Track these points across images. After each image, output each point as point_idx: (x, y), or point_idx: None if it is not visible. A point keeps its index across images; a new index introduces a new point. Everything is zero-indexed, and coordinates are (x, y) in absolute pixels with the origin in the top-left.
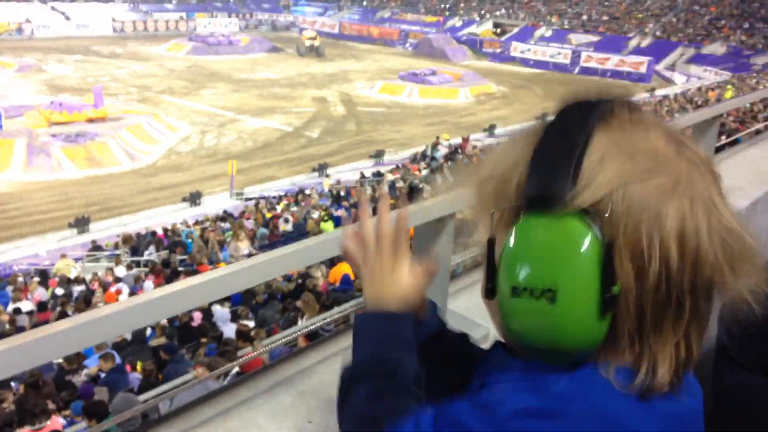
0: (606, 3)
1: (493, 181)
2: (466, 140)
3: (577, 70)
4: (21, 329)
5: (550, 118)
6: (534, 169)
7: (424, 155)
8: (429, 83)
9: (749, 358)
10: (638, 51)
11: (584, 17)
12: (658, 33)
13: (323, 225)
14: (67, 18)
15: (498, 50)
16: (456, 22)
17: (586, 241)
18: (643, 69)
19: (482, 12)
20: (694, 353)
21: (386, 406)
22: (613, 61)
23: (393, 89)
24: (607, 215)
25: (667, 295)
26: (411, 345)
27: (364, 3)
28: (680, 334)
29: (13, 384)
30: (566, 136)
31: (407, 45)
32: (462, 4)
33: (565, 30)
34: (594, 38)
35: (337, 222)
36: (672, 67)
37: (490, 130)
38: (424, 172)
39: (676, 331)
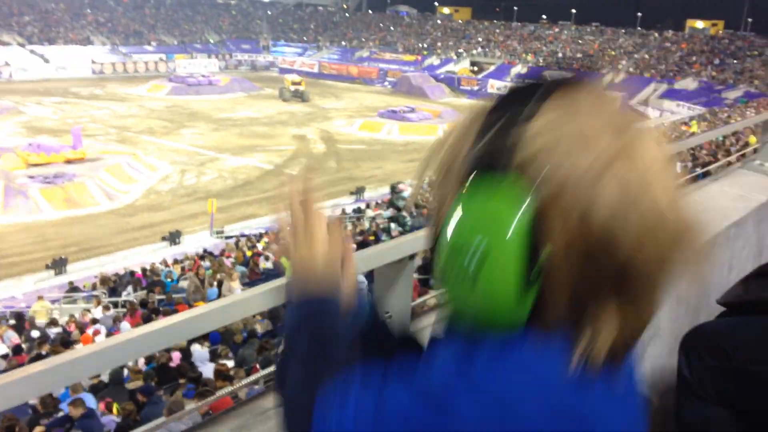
0: (580, 41)
1: (440, 159)
2: None
3: None
4: None
5: (501, 94)
6: (478, 136)
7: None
8: (408, 120)
9: (708, 391)
10: (611, 87)
11: (559, 55)
12: (631, 69)
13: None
14: (46, 60)
15: (475, 87)
16: (434, 60)
17: (517, 207)
18: None
19: (459, 51)
20: (628, 337)
21: (318, 369)
22: None
23: (373, 126)
24: (539, 184)
25: (593, 273)
26: (337, 316)
27: (343, 43)
28: (612, 320)
29: None
30: (512, 106)
31: (386, 83)
32: (439, 44)
33: (541, 67)
34: (568, 75)
35: None
36: (645, 102)
37: None
38: (389, 211)
39: (606, 315)
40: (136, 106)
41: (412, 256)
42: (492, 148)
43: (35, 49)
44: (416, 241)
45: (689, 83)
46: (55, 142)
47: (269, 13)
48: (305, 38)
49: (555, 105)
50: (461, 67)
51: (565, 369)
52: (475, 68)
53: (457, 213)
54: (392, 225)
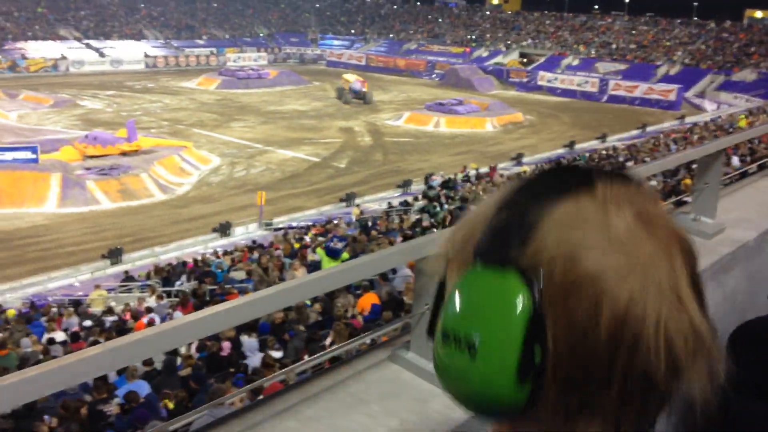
0: (633, 32)
1: (463, 229)
2: (493, 169)
3: (605, 98)
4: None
5: (530, 174)
6: (490, 222)
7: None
8: (456, 113)
9: (754, 387)
10: (667, 79)
11: (612, 46)
12: (686, 60)
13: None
14: (102, 55)
15: (525, 80)
16: (482, 52)
17: (518, 302)
18: (672, 96)
19: (508, 42)
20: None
21: None
22: (641, 89)
23: (420, 119)
24: (548, 282)
25: (597, 376)
26: None
27: (391, 35)
28: (609, 416)
29: (45, 417)
30: (531, 196)
31: (434, 76)
32: (488, 35)
33: (592, 59)
34: (621, 66)
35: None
36: (702, 95)
37: (518, 158)
38: (421, 203)
39: (604, 412)
40: (188, 100)
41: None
42: (499, 235)
43: (91, 43)
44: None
45: (747, 75)
46: (111, 134)
47: (317, 6)
48: (353, 31)
49: (574, 204)
50: (510, 59)
51: None
52: (525, 60)
53: (456, 299)
54: (424, 216)
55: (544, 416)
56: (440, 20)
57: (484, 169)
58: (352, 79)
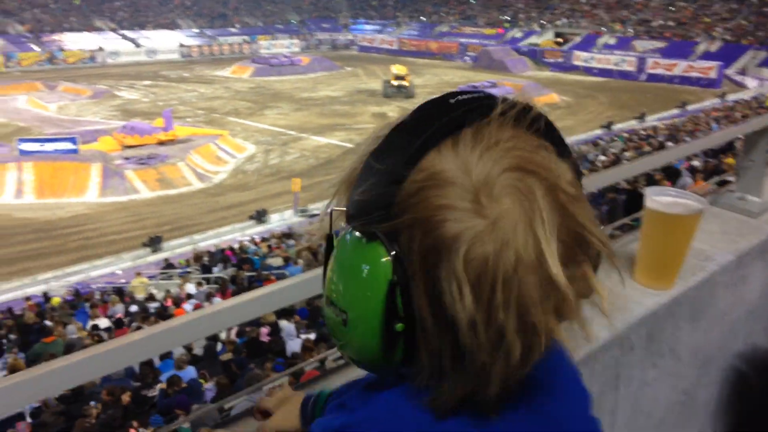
0: (671, 8)
1: (341, 187)
2: None
3: (643, 77)
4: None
5: (402, 118)
6: (358, 182)
7: None
8: None
9: None
10: (707, 56)
11: (649, 23)
12: (727, 37)
13: None
14: (137, 45)
15: (560, 60)
16: (516, 33)
17: (379, 273)
18: (712, 74)
19: (542, 22)
20: (489, 388)
21: None
22: (680, 66)
23: None
24: (408, 250)
25: (460, 337)
26: None
27: (423, 18)
28: (473, 375)
29: (92, 403)
30: (397, 150)
31: (466, 58)
32: (522, 15)
33: (629, 37)
34: (660, 44)
35: None
36: (743, 71)
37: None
38: None
39: (468, 371)
40: (222, 88)
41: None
42: (365, 201)
43: (126, 33)
44: None
45: None
46: (148, 124)
47: None
48: (384, 15)
49: (441, 157)
50: (545, 39)
51: (421, 413)
52: (560, 40)
53: (332, 263)
54: None
55: (419, 373)
56: (472, 1)
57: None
58: (395, 73)
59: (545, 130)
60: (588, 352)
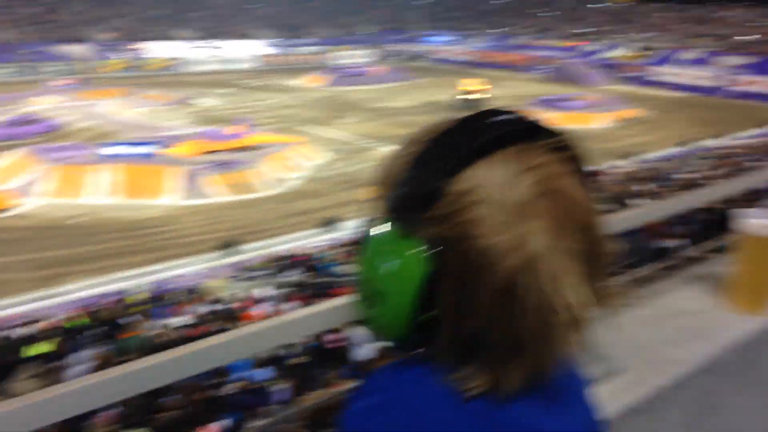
0: (755, 23)
1: (383, 181)
2: (604, 169)
3: (724, 93)
4: (173, 343)
5: (447, 126)
6: (400, 183)
7: None
8: (564, 109)
9: None
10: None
11: (731, 38)
12: None
13: None
14: (216, 54)
15: (639, 74)
16: (594, 46)
17: (412, 267)
18: None
19: (621, 36)
20: (509, 383)
21: None
22: (766, 83)
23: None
24: (444, 252)
25: (480, 334)
26: None
27: (498, 30)
28: (489, 368)
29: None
30: (443, 156)
31: (542, 71)
32: (600, 29)
33: (711, 52)
34: (742, 60)
35: None
36: None
37: (628, 157)
38: None
39: (485, 364)
40: (297, 97)
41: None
42: (405, 201)
43: (205, 43)
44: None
45: None
46: (225, 130)
47: (423, 2)
48: (460, 27)
49: (484, 169)
50: (623, 53)
51: (447, 395)
52: (639, 54)
53: (371, 247)
54: None
55: (439, 357)
56: (550, 14)
57: (596, 167)
58: (466, 87)
59: (579, 159)
60: (677, 377)
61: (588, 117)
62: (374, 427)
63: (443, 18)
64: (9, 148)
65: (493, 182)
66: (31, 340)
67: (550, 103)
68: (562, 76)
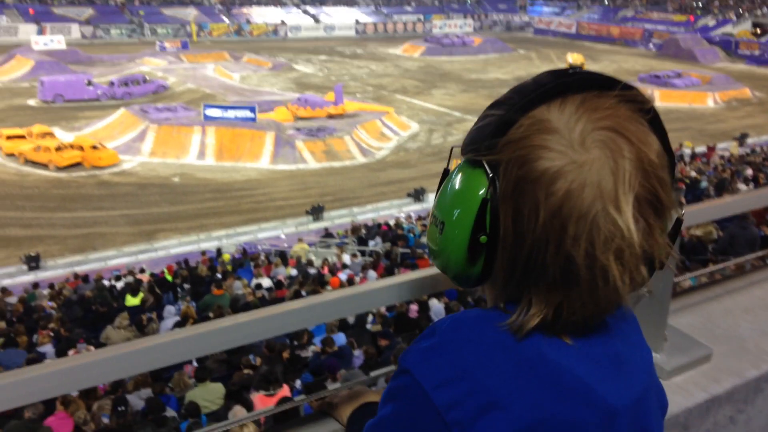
0: None
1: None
2: (711, 149)
3: None
4: (262, 300)
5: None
6: (479, 120)
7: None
8: (672, 86)
9: None
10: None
11: None
12: None
13: None
14: (317, 21)
15: (756, 52)
16: (708, 21)
17: (475, 193)
18: None
19: (740, 11)
20: (563, 314)
21: None
22: None
23: None
24: (504, 177)
25: (535, 258)
26: None
27: (606, 2)
28: (545, 295)
29: (250, 356)
30: (516, 101)
31: (650, 45)
32: (716, 2)
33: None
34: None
35: None
36: None
37: (741, 138)
38: None
39: (542, 291)
40: (393, 66)
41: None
42: (475, 134)
43: (308, 9)
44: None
45: None
46: (320, 97)
47: None
48: None
49: (546, 111)
50: (741, 29)
51: (502, 334)
52: (758, 30)
53: (443, 186)
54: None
55: (497, 288)
56: None
57: (700, 149)
58: (573, 61)
59: (648, 115)
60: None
61: (694, 96)
62: (428, 366)
63: None
64: (119, 106)
65: (560, 117)
66: (126, 291)
67: (654, 80)
68: (671, 52)
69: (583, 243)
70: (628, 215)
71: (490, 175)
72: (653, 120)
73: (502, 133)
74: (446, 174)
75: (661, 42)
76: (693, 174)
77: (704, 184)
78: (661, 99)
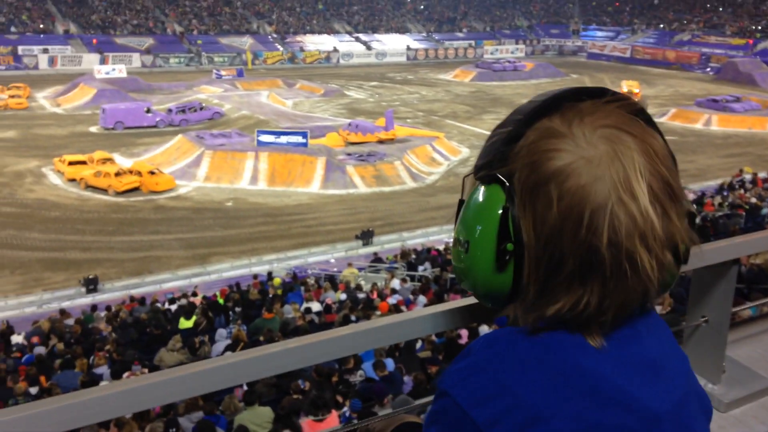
0: None
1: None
2: None
3: None
4: (311, 324)
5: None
6: (486, 143)
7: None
8: (731, 111)
9: None
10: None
11: None
12: None
13: None
14: (369, 48)
15: None
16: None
17: (494, 205)
18: None
19: None
20: (592, 307)
21: None
22: None
23: (687, 116)
24: (519, 186)
25: (558, 259)
26: None
27: (662, 26)
28: (577, 290)
29: (299, 380)
30: (517, 117)
31: (708, 69)
32: None
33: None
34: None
35: None
36: None
37: None
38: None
39: (568, 287)
40: (444, 91)
41: (735, 261)
42: (484, 156)
43: (360, 36)
44: (741, 246)
45: None
46: (371, 123)
47: None
48: (619, 21)
49: (548, 122)
50: None
51: (523, 357)
52: None
53: (461, 210)
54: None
55: (527, 302)
56: (721, 9)
57: (762, 174)
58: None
59: (650, 119)
60: None
61: (754, 120)
62: (465, 386)
63: (604, 12)
64: (176, 132)
65: (563, 123)
66: (179, 314)
67: (712, 104)
68: (729, 76)
69: (606, 232)
70: (645, 200)
71: (507, 184)
72: (648, 122)
73: (511, 147)
74: (461, 204)
75: (719, 66)
76: (753, 200)
77: (765, 210)
78: (719, 123)
